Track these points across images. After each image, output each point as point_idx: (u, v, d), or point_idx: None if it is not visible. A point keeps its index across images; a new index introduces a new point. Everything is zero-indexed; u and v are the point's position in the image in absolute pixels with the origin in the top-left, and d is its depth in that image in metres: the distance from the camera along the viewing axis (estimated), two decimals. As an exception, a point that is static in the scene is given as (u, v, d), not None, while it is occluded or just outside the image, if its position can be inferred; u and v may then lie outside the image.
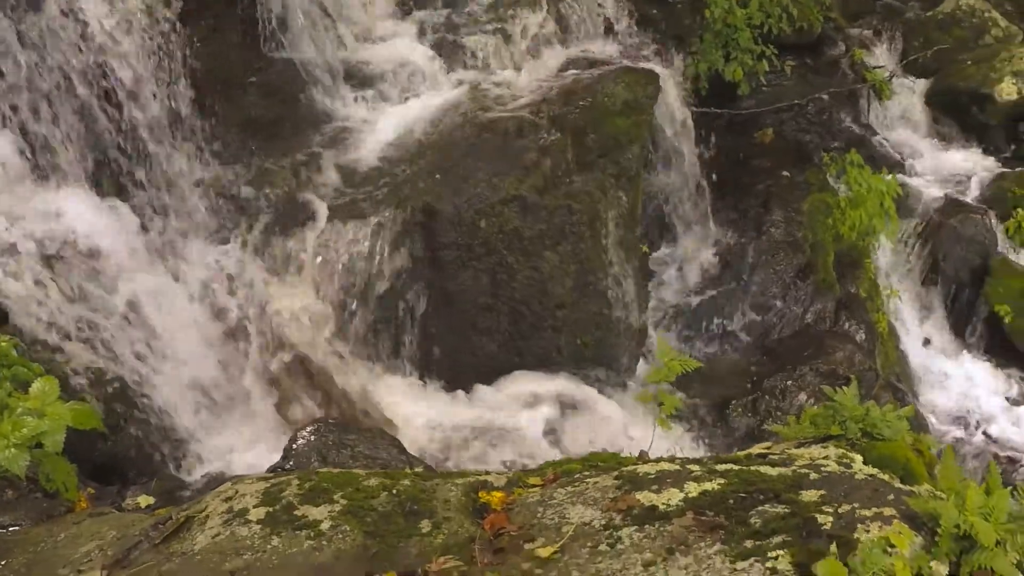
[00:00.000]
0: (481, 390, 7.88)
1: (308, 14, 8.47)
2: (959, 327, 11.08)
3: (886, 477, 4.19)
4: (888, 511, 3.73)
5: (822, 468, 4.20)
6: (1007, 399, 10.49)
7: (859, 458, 4.49)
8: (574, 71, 9.00)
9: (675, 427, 8.25)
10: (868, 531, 3.60)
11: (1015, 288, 10.88)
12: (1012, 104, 12.31)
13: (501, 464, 7.15)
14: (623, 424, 7.63)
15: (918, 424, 9.65)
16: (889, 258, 10.73)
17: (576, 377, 8.04)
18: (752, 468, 4.17)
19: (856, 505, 3.78)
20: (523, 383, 7.91)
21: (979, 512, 3.76)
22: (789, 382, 8.67)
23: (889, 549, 3.45)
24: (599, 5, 9.64)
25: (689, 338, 9.18)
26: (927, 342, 10.88)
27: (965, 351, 10.97)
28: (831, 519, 3.70)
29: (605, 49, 9.50)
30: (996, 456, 9.66)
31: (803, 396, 8.47)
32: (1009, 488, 4.09)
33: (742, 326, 9.25)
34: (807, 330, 9.37)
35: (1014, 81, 12.31)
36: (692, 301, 9.35)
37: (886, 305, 10.10)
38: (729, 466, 4.21)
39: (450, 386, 7.88)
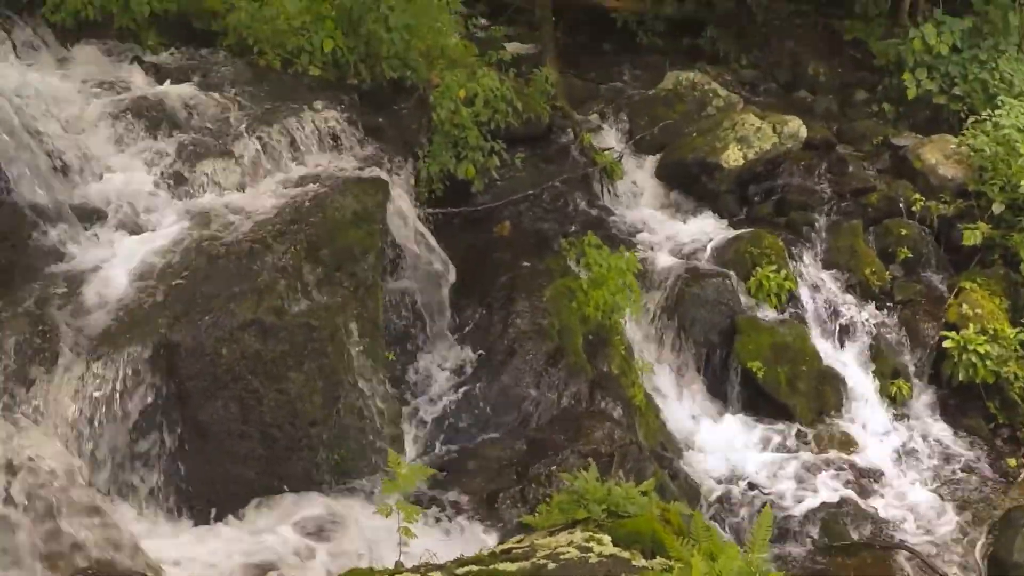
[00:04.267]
0: (244, 520, 7.73)
1: (29, 153, 8.31)
2: (717, 388, 11.37)
3: (627, 555, 4.30)
4: (619, 592, 3.82)
5: (561, 556, 4.28)
6: (767, 449, 10.84)
7: (607, 538, 4.59)
8: (304, 187, 9.02)
9: (446, 526, 8.27)
10: (601, 614, 3.68)
11: (763, 343, 11.29)
12: (739, 169, 12.93)
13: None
14: (389, 533, 7.58)
15: (687, 488, 9.88)
16: (639, 332, 10.98)
17: (338, 491, 7.98)
18: (491, 567, 4.22)
19: (590, 590, 3.87)
20: (286, 506, 7.81)
21: (706, 578, 3.89)
22: (553, 467, 8.67)
23: (615, 631, 3.53)
24: (325, 120, 9.72)
25: (448, 438, 9.14)
26: (680, 397, 11.15)
27: (725, 410, 11.28)
28: (565, 608, 3.77)
29: (335, 162, 9.56)
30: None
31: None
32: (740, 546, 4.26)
33: (501, 419, 9.28)
34: (565, 414, 9.41)
35: (739, 147, 12.94)
36: (447, 401, 9.30)
37: (641, 378, 10.30)
38: (470, 567, 4.26)
39: (212, 520, 7.70)
